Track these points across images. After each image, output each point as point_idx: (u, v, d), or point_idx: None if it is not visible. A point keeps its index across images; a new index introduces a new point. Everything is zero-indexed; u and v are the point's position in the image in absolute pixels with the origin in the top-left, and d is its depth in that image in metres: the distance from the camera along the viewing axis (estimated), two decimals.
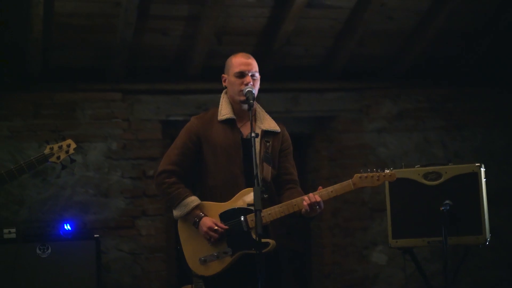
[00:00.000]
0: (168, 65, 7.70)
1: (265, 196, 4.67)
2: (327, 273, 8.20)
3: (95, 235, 6.82)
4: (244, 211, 4.64)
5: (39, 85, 7.31)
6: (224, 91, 4.92)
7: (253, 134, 4.49)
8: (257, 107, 4.89)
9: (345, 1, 7.39)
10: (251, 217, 4.60)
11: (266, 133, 4.82)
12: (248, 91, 4.69)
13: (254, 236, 4.56)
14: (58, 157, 5.44)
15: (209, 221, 4.65)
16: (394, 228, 5.78)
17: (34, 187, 7.23)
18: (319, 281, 8.31)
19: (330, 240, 8.22)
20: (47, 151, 5.43)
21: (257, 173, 4.41)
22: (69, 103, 7.40)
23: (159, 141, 7.60)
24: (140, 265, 7.47)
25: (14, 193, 7.16)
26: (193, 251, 4.74)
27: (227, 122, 4.80)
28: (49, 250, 6.56)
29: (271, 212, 4.65)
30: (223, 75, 4.89)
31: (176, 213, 4.75)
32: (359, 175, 4.74)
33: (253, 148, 4.46)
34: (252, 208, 4.45)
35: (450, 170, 5.69)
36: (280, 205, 4.69)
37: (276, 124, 4.91)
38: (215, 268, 4.70)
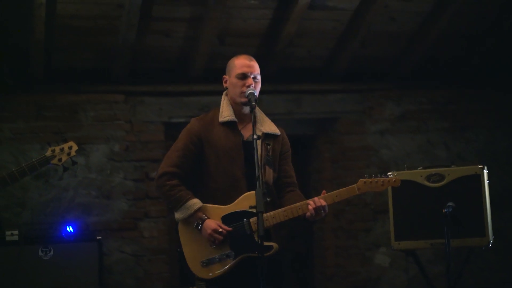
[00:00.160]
0: (170, 67, 7.69)
1: (268, 199, 4.65)
2: (330, 275, 8.19)
3: (97, 237, 6.81)
4: (247, 214, 4.63)
5: (41, 87, 7.31)
6: (224, 92, 4.90)
7: (255, 136, 4.48)
8: (257, 110, 4.86)
9: (348, 2, 7.38)
10: (254, 220, 4.60)
11: (267, 136, 4.81)
12: (250, 93, 4.67)
13: (257, 239, 4.54)
14: (60, 159, 5.43)
15: (213, 224, 4.63)
16: (397, 230, 5.77)
17: (37, 189, 7.23)
18: (321, 283, 8.29)
19: (332, 242, 8.21)
20: (48, 153, 5.42)
21: (259, 175, 4.40)
22: (71, 105, 7.40)
23: (161, 143, 7.60)
24: (143, 267, 7.46)
25: (17, 195, 7.16)
26: (194, 254, 4.72)
27: (228, 124, 4.78)
28: (52, 252, 6.54)
29: (275, 216, 4.64)
30: (224, 76, 4.87)
31: (178, 215, 4.73)
32: (363, 180, 4.73)
33: (255, 150, 4.44)
34: (254, 211, 4.44)
35: (453, 172, 5.69)
36: (284, 208, 4.68)
37: (276, 127, 4.89)
38: (217, 271, 4.68)
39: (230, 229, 4.63)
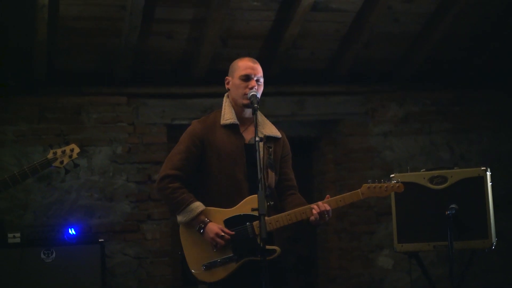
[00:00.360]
0: (173, 69, 7.69)
1: (270, 203, 4.64)
2: (333, 277, 8.18)
3: (99, 240, 6.81)
4: (249, 217, 4.60)
5: (44, 89, 7.31)
6: (226, 94, 4.88)
7: (257, 139, 4.45)
8: (258, 113, 4.82)
9: (351, 4, 7.37)
10: (257, 223, 4.56)
11: (268, 139, 4.78)
12: (252, 95, 4.65)
13: (259, 243, 4.52)
14: (62, 162, 5.42)
15: (216, 227, 4.61)
16: (400, 232, 5.76)
17: (39, 191, 7.23)
18: (325, 285, 8.28)
19: (336, 244, 8.20)
20: (50, 155, 5.41)
21: (261, 177, 4.38)
22: (74, 107, 7.40)
23: (164, 145, 7.59)
24: (145, 269, 7.46)
25: (19, 198, 7.16)
26: (196, 257, 4.70)
27: (230, 127, 4.76)
28: (54, 255, 6.55)
29: (278, 220, 4.62)
30: (226, 77, 4.84)
31: (180, 218, 4.70)
32: (367, 185, 4.71)
33: (257, 153, 4.42)
34: (256, 213, 4.42)
35: (456, 174, 5.67)
36: (287, 212, 4.66)
37: (277, 130, 4.88)
38: (219, 274, 4.65)
39: (232, 233, 4.60)
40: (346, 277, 8.13)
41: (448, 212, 5.46)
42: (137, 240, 7.46)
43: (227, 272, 4.63)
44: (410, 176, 5.71)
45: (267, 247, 4.47)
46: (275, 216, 4.62)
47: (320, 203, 4.64)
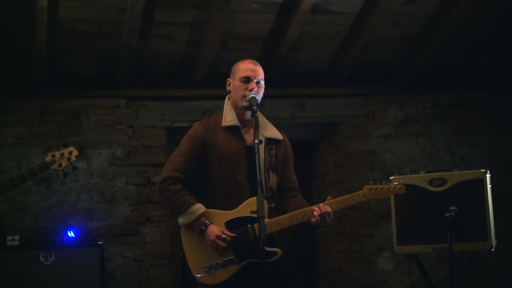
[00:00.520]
0: (173, 71, 7.69)
1: (272, 205, 4.65)
2: (334, 279, 8.17)
3: (99, 242, 6.81)
4: (251, 219, 4.60)
5: (44, 91, 7.30)
6: (227, 96, 4.88)
7: (256, 141, 4.46)
8: (259, 114, 4.84)
9: (351, 6, 7.37)
10: (258, 225, 4.57)
11: (270, 141, 4.79)
12: (251, 97, 4.65)
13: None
14: (60, 165, 5.41)
15: (217, 230, 4.60)
16: (400, 235, 5.75)
17: (38, 194, 7.22)
18: (325, 287, 8.29)
19: (336, 246, 8.19)
20: (48, 158, 5.40)
21: (260, 180, 4.38)
22: (73, 110, 7.40)
23: (164, 148, 7.59)
24: (145, 272, 7.45)
25: (18, 200, 7.16)
26: (197, 259, 4.69)
27: (231, 129, 4.76)
28: (53, 258, 6.54)
29: (279, 222, 4.62)
30: (228, 79, 4.85)
31: (181, 220, 4.70)
32: (368, 186, 4.71)
33: (256, 155, 4.43)
34: (256, 215, 4.42)
35: (456, 176, 5.67)
36: (288, 214, 4.65)
37: (278, 132, 4.87)
38: (220, 276, 4.65)
39: (233, 235, 4.60)
40: (346, 280, 8.12)
41: (448, 215, 5.46)
42: (136, 243, 7.46)
43: (229, 274, 4.63)
44: (410, 179, 5.71)
45: (269, 249, 4.50)
46: (276, 218, 4.62)
47: (321, 204, 4.64)
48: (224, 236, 4.58)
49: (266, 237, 4.38)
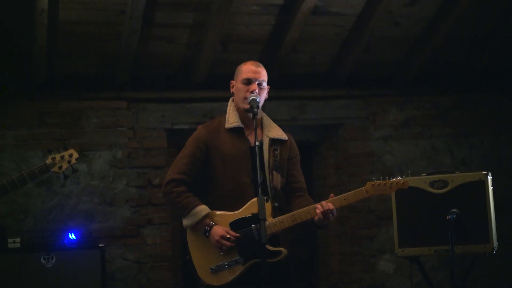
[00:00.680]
0: (173, 73, 7.68)
1: (276, 204, 4.66)
2: (334, 281, 8.17)
3: (100, 244, 6.81)
4: (255, 219, 4.59)
5: (44, 93, 7.30)
6: (231, 98, 4.90)
7: (257, 143, 4.48)
8: (263, 115, 4.87)
9: (351, 8, 7.37)
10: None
11: (274, 141, 4.80)
12: (252, 99, 4.66)
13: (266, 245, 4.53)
14: (60, 167, 5.40)
15: (221, 230, 4.62)
16: (401, 237, 5.75)
17: (39, 196, 7.22)
18: None
19: (337, 248, 8.19)
20: (49, 161, 5.39)
21: (261, 182, 4.40)
22: (74, 112, 7.39)
23: (164, 150, 7.58)
24: (146, 274, 7.44)
25: (19, 202, 7.15)
26: (203, 261, 4.70)
27: (235, 130, 4.78)
28: (54, 260, 6.53)
29: (283, 221, 4.63)
30: (231, 81, 4.87)
31: (186, 222, 4.71)
32: (371, 182, 4.70)
33: (257, 157, 4.45)
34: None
35: (457, 178, 5.66)
36: (292, 213, 4.66)
37: (283, 132, 4.88)
38: (226, 277, 4.66)
39: (238, 235, 4.61)
40: (347, 282, 8.11)
41: (449, 217, 5.45)
42: (137, 245, 7.45)
43: (234, 275, 4.65)
44: (411, 181, 5.68)
45: (273, 248, 4.55)
46: (279, 217, 4.64)
47: (323, 202, 4.65)
48: (228, 236, 4.59)
49: (270, 236, 4.43)
